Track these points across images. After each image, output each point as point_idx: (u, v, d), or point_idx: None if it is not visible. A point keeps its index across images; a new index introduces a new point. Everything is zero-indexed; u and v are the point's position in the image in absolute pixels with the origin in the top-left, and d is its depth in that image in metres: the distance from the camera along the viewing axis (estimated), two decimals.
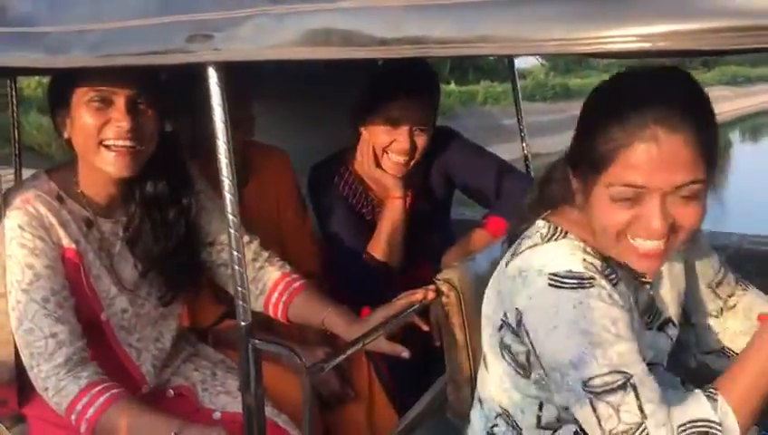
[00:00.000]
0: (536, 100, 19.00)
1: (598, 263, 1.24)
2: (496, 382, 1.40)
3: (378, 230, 1.98)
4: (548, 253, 1.25)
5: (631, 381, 1.12)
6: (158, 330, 1.69)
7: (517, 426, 1.39)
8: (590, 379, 1.13)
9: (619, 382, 1.12)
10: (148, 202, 1.61)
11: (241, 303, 1.18)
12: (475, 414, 1.49)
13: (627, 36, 0.80)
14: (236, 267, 1.18)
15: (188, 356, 1.77)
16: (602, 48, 0.83)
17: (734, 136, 23.43)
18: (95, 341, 1.54)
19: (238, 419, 1.56)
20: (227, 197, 1.16)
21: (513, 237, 1.35)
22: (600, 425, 1.13)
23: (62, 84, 1.51)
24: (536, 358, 1.24)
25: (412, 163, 1.93)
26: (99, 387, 1.46)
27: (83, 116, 1.48)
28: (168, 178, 1.62)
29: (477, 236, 1.89)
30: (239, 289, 1.18)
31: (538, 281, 1.21)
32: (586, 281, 1.19)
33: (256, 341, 1.19)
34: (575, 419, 1.21)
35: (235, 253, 1.17)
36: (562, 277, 1.19)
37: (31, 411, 1.61)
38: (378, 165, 1.95)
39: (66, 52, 1.25)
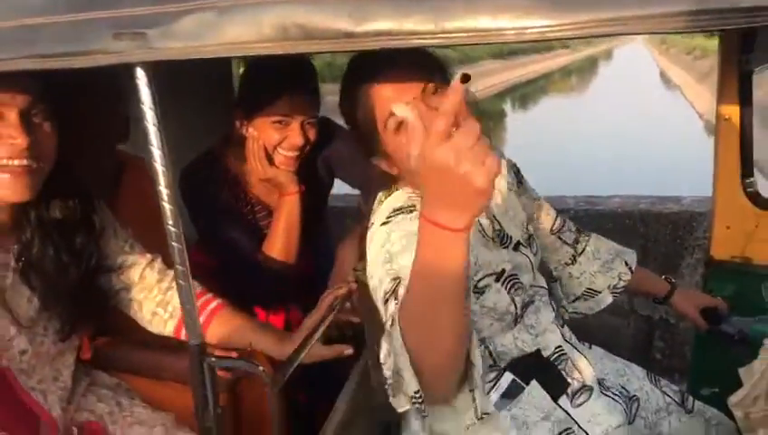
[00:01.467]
0: None
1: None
2: None
3: (274, 229, 1.91)
4: (384, 207, 1.39)
5: (398, 283, 1.16)
6: (56, 368, 1.50)
7: None
8: (384, 293, 1.19)
9: (393, 287, 1.17)
10: (47, 227, 1.41)
11: (190, 320, 1.10)
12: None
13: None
14: (182, 282, 1.09)
15: (87, 387, 1.60)
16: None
17: (507, 106, 25.49)
18: None
19: None
20: (166, 207, 1.07)
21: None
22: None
23: None
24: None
25: (302, 157, 1.89)
26: None
27: None
28: (70, 197, 1.44)
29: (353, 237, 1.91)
30: (187, 306, 1.10)
31: (378, 230, 1.33)
32: (407, 208, 1.33)
33: (211, 358, 1.11)
34: None
35: (180, 267, 1.08)
36: (389, 216, 1.34)
37: None
38: (270, 163, 1.88)
39: None
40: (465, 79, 1.03)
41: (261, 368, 1.18)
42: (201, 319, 1.52)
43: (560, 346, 1.55)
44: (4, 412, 1.34)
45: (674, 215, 2.74)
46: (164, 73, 1.06)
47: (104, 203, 1.57)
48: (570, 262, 1.76)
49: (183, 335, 1.56)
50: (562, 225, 1.76)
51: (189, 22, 0.98)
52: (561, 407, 1.49)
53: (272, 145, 1.86)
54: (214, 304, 1.58)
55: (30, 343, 1.43)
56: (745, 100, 1.92)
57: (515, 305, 1.47)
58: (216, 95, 2.38)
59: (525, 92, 29.05)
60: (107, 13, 1.00)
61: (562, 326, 1.61)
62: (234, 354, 1.27)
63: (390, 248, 1.25)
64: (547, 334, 1.55)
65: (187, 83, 1.96)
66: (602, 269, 1.76)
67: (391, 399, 1.06)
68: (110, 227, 1.56)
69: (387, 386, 1.06)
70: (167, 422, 1.57)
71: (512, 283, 1.47)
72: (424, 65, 1.34)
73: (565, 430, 1.45)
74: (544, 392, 1.49)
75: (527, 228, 1.61)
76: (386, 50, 0.94)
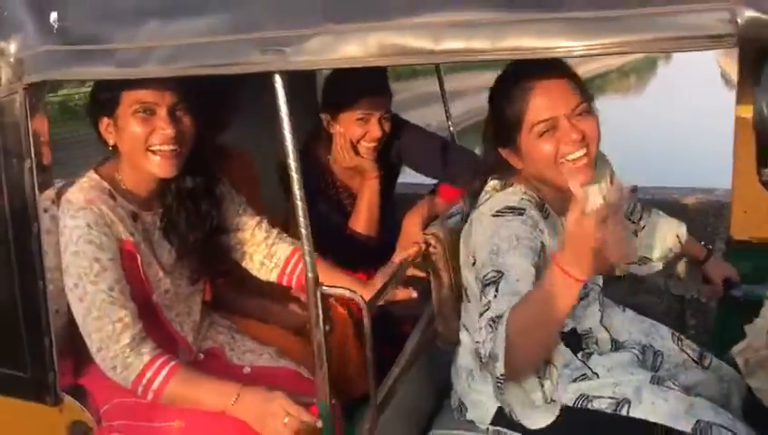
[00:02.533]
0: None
1: (534, 201, 1.67)
2: (475, 305, 1.76)
3: (359, 207, 2.32)
4: (497, 198, 1.69)
5: (500, 278, 1.50)
6: (189, 305, 1.92)
7: None
8: (483, 277, 1.54)
9: (495, 278, 1.51)
10: (183, 196, 1.83)
11: (308, 259, 1.49)
12: (464, 337, 1.88)
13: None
14: (303, 231, 1.48)
15: (210, 323, 2.02)
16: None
17: None
18: (147, 319, 1.74)
19: (265, 371, 1.87)
20: (296, 193, 1.47)
21: (472, 195, 1.78)
22: (482, 306, 1.50)
23: (106, 97, 1.70)
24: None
25: (380, 147, 2.29)
26: (160, 360, 1.68)
27: (131, 125, 1.69)
28: (200, 174, 1.85)
29: (433, 201, 2.28)
30: (306, 248, 1.49)
31: (486, 218, 1.65)
32: (518, 210, 1.64)
33: (324, 287, 1.51)
34: None
35: (303, 230, 1.49)
36: (501, 210, 1.64)
37: (89, 382, 1.81)
38: (356, 153, 2.28)
39: (136, 65, 1.48)
40: (635, 189, 1.44)
41: (359, 295, 1.57)
42: (298, 268, 1.95)
43: (590, 328, 1.87)
44: (154, 333, 1.75)
45: (705, 204, 3.04)
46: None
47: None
48: (634, 233, 2.05)
49: (285, 281, 1.99)
50: (633, 208, 2.07)
51: (315, 42, 1.37)
52: (578, 358, 1.80)
53: (356, 138, 2.26)
54: None
55: (171, 285, 1.85)
56: None
57: (576, 307, 1.73)
58: (303, 100, 2.79)
59: None
60: (256, 35, 1.40)
61: (603, 307, 1.92)
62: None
63: (499, 243, 1.56)
64: (587, 320, 1.86)
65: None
66: (658, 243, 2.08)
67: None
68: (228, 195, 1.97)
69: (482, 362, 1.44)
70: (271, 352, 1.97)
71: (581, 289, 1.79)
72: (576, 85, 1.65)
73: (580, 375, 1.76)
74: (566, 348, 1.80)
75: None
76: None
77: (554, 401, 1.70)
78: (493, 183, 1.75)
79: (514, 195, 1.68)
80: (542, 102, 1.62)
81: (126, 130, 1.70)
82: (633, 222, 2.07)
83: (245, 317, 2.10)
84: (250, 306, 2.13)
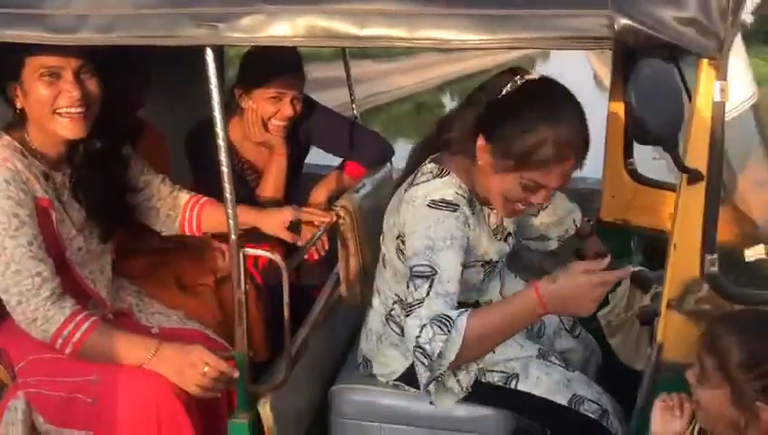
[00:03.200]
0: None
1: (466, 196, 1.81)
2: (392, 276, 1.96)
3: (265, 181, 2.43)
4: (433, 185, 1.79)
5: (434, 276, 1.66)
6: (101, 264, 1.99)
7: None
8: (414, 266, 1.70)
9: (427, 273, 1.67)
10: (90, 157, 1.90)
11: (231, 222, 1.61)
12: (376, 302, 2.05)
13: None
14: (227, 196, 1.61)
15: (119, 286, 2.09)
16: None
17: (446, 98, 26.18)
18: (62, 276, 1.80)
19: (173, 332, 1.97)
20: (223, 159, 1.60)
21: (409, 169, 1.92)
22: (407, 295, 1.69)
23: (11, 62, 1.73)
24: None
25: (290, 126, 2.41)
26: (82, 314, 1.75)
27: (37, 89, 1.73)
28: (107, 136, 1.92)
29: (340, 176, 2.43)
30: (229, 211, 1.62)
31: (422, 204, 1.77)
32: (452, 205, 1.76)
33: (246, 249, 1.64)
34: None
35: (228, 195, 1.62)
36: (437, 202, 1.75)
37: (2, 340, 1.84)
38: (265, 130, 2.39)
39: (72, 32, 1.54)
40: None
41: (278, 256, 1.71)
42: (195, 211, 2.10)
43: (491, 299, 2.07)
44: (70, 290, 1.80)
45: (579, 190, 3.38)
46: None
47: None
48: (535, 214, 2.26)
49: (186, 227, 2.13)
50: None
51: (248, 20, 1.49)
52: None
53: (267, 116, 2.36)
54: (203, 199, 2.13)
55: (83, 242, 1.91)
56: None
57: (483, 282, 1.98)
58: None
59: (464, 86, 29.85)
60: (192, 9, 1.50)
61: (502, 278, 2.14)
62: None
63: (435, 239, 1.69)
64: (489, 292, 2.07)
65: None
66: (556, 223, 2.30)
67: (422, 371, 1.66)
68: (132, 157, 2.06)
69: (422, 356, 1.62)
70: (179, 315, 2.07)
71: (491, 268, 1.97)
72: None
73: None
74: None
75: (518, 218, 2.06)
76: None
77: (469, 390, 1.93)
78: (430, 166, 1.84)
79: (450, 187, 1.78)
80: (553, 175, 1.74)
81: (32, 94, 1.74)
82: None
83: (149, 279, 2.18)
84: (165, 274, 2.22)
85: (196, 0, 1.52)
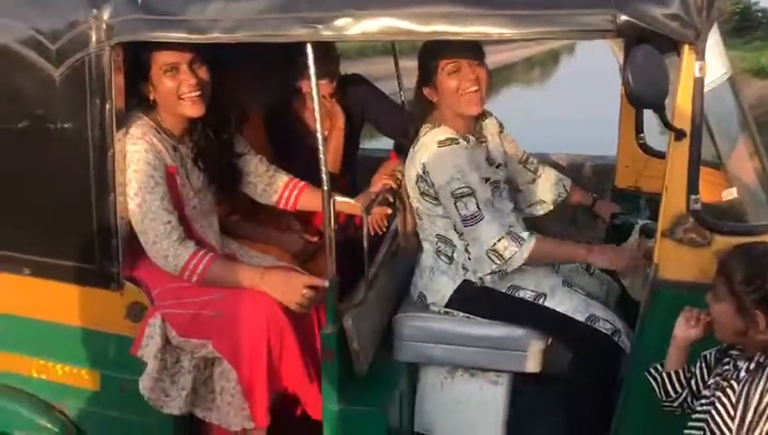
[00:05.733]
0: None
1: (459, 135, 2.39)
2: (427, 220, 2.48)
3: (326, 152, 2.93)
4: (434, 132, 2.39)
5: (474, 193, 2.28)
6: (210, 220, 2.51)
7: (449, 239, 2.46)
8: (453, 190, 2.28)
9: (467, 192, 2.28)
10: (207, 130, 2.41)
11: (324, 176, 2.11)
12: (425, 244, 2.55)
13: None
14: (321, 157, 2.10)
15: (223, 239, 2.60)
16: None
17: None
18: (182, 228, 2.31)
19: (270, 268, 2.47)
20: (319, 131, 2.10)
21: (413, 134, 2.48)
22: (458, 214, 2.29)
23: (142, 65, 2.24)
24: (434, 187, 2.35)
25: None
26: (202, 251, 2.27)
27: (164, 83, 2.24)
28: (217, 114, 2.42)
29: (388, 163, 2.91)
30: (323, 168, 2.11)
31: (432, 146, 2.36)
32: (456, 140, 2.36)
33: (335, 198, 2.13)
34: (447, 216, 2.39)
35: (321, 156, 2.11)
36: (443, 141, 2.35)
37: (142, 273, 2.36)
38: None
39: (205, 33, 2.06)
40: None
41: (359, 205, 2.21)
42: (295, 192, 2.59)
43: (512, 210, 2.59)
44: (189, 238, 2.31)
45: (601, 166, 3.83)
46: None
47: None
48: (530, 182, 2.81)
49: (282, 204, 2.61)
50: (527, 158, 2.81)
51: (341, 21, 1.99)
52: None
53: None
54: (301, 183, 2.62)
55: (198, 203, 2.43)
56: None
57: (491, 195, 2.46)
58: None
59: (492, 80, 30.14)
60: (297, 14, 2.01)
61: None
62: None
63: (459, 165, 2.30)
64: (506, 207, 2.56)
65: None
66: (550, 188, 2.83)
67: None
68: (236, 136, 2.56)
69: (496, 258, 2.29)
70: (273, 257, 2.58)
71: (494, 186, 2.49)
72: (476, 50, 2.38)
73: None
74: None
75: (504, 156, 2.66)
76: None
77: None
78: (426, 126, 2.44)
79: (446, 132, 2.37)
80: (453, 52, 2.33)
81: (161, 87, 2.26)
82: (531, 171, 2.81)
83: (252, 241, 2.70)
84: (258, 235, 2.74)
85: (300, 6, 2.02)
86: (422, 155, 2.38)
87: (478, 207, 2.28)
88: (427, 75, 2.43)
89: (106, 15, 2.13)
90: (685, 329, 1.90)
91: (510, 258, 2.27)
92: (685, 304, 1.97)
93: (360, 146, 3.37)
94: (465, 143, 2.38)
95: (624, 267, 2.30)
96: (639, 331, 2.13)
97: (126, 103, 2.27)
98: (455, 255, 2.46)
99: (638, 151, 3.09)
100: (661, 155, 3.05)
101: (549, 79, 32.70)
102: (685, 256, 2.02)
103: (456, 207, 2.30)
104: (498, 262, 2.28)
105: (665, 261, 2.05)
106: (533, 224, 2.77)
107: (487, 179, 2.43)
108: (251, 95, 2.88)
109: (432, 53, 2.39)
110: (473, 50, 2.36)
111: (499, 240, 2.26)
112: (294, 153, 2.93)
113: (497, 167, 2.58)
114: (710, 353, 1.91)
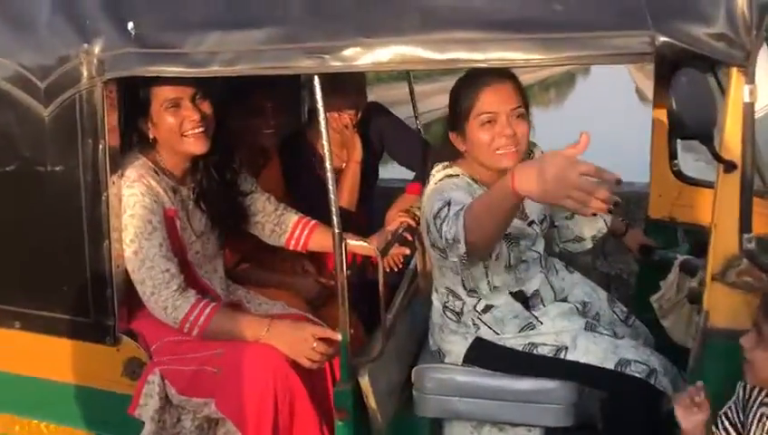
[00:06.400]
0: None
1: (470, 179, 2.15)
2: (438, 270, 2.27)
3: (341, 186, 2.75)
4: (438, 175, 2.14)
5: (449, 202, 1.92)
6: (214, 265, 2.33)
7: (457, 294, 2.25)
8: (435, 209, 1.93)
9: (444, 205, 1.91)
10: (210, 170, 2.24)
11: (335, 219, 1.93)
12: (434, 297, 2.35)
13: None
14: (332, 196, 1.92)
15: (228, 285, 2.43)
16: None
17: None
18: (184, 274, 2.14)
19: (279, 317, 2.28)
20: (328, 166, 1.92)
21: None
22: (436, 232, 1.93)
23: (142, 100, 2.09)
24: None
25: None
26: (203, 301, 2.10)
27: (166, 119, 2.09)
28: (221, 151, 2.26)
29: (404, 197, 2.70)
30: (334, 209, 1.93)
31: (431, 186, 2.10)
32: (454, 176, 2.11)
33: (348, 241, 1.95)
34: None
35: (332, 196, 1.93)
36: (440, 179, 2.11)
37: (140, 326, 2.18)
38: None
39: (204, 66, 1.89)
40: (619, 182, 1.48)
41: (374, 246, 2.02)
42: (305, 232, 2.41)
43: (537, 289, 2.32)
44: (191, 286, 2.14)
45: (628, 193, 3.63)
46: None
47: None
48: (569, 217, 2.47)
49: (292, 244, 2.43)
50: None
51: (349, 51, 1.81)
52: (526, 310, 2.28)
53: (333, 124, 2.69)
54: (312, 223, 2.44)
55: (201, 247, 2.25)
56: None
57: (509, 256, 2.21)
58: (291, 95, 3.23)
59: None
60: (303, 44, 1.84)
61: (547, 269, 2.39)
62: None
63: (441, 189, 2.03)
64: (530, 281, 2.34)
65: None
66: (589, 224, 2.49)
67: (448, 254, 1.91)
68: (242, 175, 2.39)
69: (446, 246, 1.88)
70: (282, 303, 2.39)
71: (513, 244, 2.22)
72: (518, 91, 2.11)
73: (527, 323, 2.25)
74: (516, 302, 2.28)
75: (544, 209, 2.32)
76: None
77: (497, 286, 2.21)
78: (437, 167, 2.19)
79: (453, 171, 2.14)
80: (488, 98, 2.07)
81: (162, 124, 2.10)
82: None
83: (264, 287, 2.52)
84: (270, 281, 2.56)
85: (306, 35, 1.85)
86: (424, 202, 2.13)
87: (449, 209, 1.89)
88: (456, 119, 2.15)
89: (97, 49, 1.97)
90: (689, 418, 1.73)
91: (454, 239, 1.82)
92: (739, 354, 1.76)
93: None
94: (466, 180, 2.12)
95: (564, 195, 1.48)
96: (691, 382, 1.91)
97: (124, 142, 2.12)
98: (464, 309, 2.25)
99: (671, 179, 2.88)
100: (697, 182, 2.89)
101: (565, 100, 32.57)
102: (738, 301, 1.81)
103: (436, 228, 1.93)
104: (448, 244, 1.86)
105: (716, 307, 1.84)
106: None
107: (507, 235, 2.15)
108: (270, 131, 2.70)
109: (464, 95, 2.12)
110: (512, 95, 2.09)
111: (444, 227, 1.88)
112: (307, 186, 2.76)
113: (530, 224, 2.28)
114: (730, 410, 1.79)
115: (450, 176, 2.12)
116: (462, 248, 1.83)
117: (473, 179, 2.15)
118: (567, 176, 1.45)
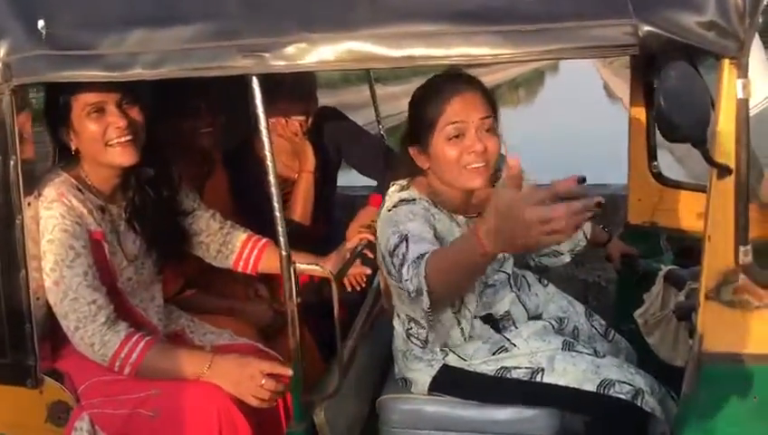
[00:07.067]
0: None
1: (427, 200, 1.92)
2: (398, 297, 2.02)
3: (294, 198, 2.52)
4: (393, 198, 1.90)
5: (406, 239, 1.70)
6: (151, 293, 2.08)
7: (420, 323, 2.00)
8: (390, 248, 1.73)
9: (400, 242, 1.71)
10: (143, 187, 1.99)
11: (282, 240, 1.70)
12: (395, 323, 2.12)
13: None
14: (277, 214, 1.69)
15: (170, 311, 2.18)
16: None
17: None
18: (114, 304, 1.89)
19: (226, 348, 2.04)
20: (271, 180, 1.68)
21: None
22: (394, 271, 1.71)
23: (61, 106, 1.84)
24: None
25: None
26: (136, 336, 1.84)
27: (88, 127, 1.84)
28: (156, 164, 2.01)
29: (368, 209, 2.49)
30: (280, 229, 1.70)
31: (385, 213, 1.88)
32: (411, 200, 1.88)
33: (297, 264, 1.71)
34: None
35: (277, 214, 1.69)
36: (396, 203, 1.87)
37: (65, 365, 1.93)
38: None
39: (124, 69, 1.65)
40: (582, 180, 1.28)
41: (328, 270, 1.79)
42: (254, 252, 2.16)
43: (507, 310, 2.10)
44: (122, 317, 1.89)
45: (604, 197, 3.44)
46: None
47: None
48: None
49: (241, 266, 2.19)
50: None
51: (292, 48, 1.58)
52: (496, 333, 2.07)
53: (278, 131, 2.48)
54: (262, 242, 2.19)
55: (134, 273, 2.00)
56: (650, 104, 2.60)
57: (486, 292, 2.04)
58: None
59: None
60: (238, 41, 1.60)
61: (518, 288, 2.18)
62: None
63: (397, 221, 1.80)
64: (499, 304, 2.11)
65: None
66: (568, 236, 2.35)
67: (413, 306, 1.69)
68: (182, 190, 2.14)
69: (408, 297, 1.66)
70: (230, 332, 2.15)
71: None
72: (487, 100, 1.89)
73: (500, 348, 2.03)
74: (485, 325, 2.07)
75: None
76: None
77: (471, 337, 2.01)
78: (393, 187, 1.97)
79: (409, 194, 1.91)
80: (455, 108, 1.84)
81: (84, 133, 1.85)
82: None
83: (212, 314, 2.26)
84: (219, 307, 2.31)
85: (242, 32, 1.62)
86: (379, 227, 1.89)
87: (407, 249, 1.68)
88: (417, 133, 1.92)
89: (2, 52, 1.72)
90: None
91: (417, 291, 1.60)
92: (738, 381, 1.58)
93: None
94: (422, 204, 1.89)
95: (536, 245, 1.28)
96: (682, 414, 1.72)
97: (53, 157, 1.88)
98: (429, 338, 2.03)
99: (651, 182, 2.69)
100: (679, 185, 2.70)
101: (535, 99, 32.60)
102: (736, 321, 1.61)
103: (394, 268, 1.72)
104: (411, 295, 1.64)
105: (711, 329, 1.64)
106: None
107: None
108: (208, 129, 2.43)
109: (428, 105, 1.88)
110: (482, 104, 1.87)
111: (407, 271, 1.65)
112: (256, 200, 2.51)
113: (501, 265, 2.09)
114: None
115: (406, 201, 1.89)
116: (426, 302, 1.61)
117: (432, 203, 1.93)
118: (521, 219, 1.23)
